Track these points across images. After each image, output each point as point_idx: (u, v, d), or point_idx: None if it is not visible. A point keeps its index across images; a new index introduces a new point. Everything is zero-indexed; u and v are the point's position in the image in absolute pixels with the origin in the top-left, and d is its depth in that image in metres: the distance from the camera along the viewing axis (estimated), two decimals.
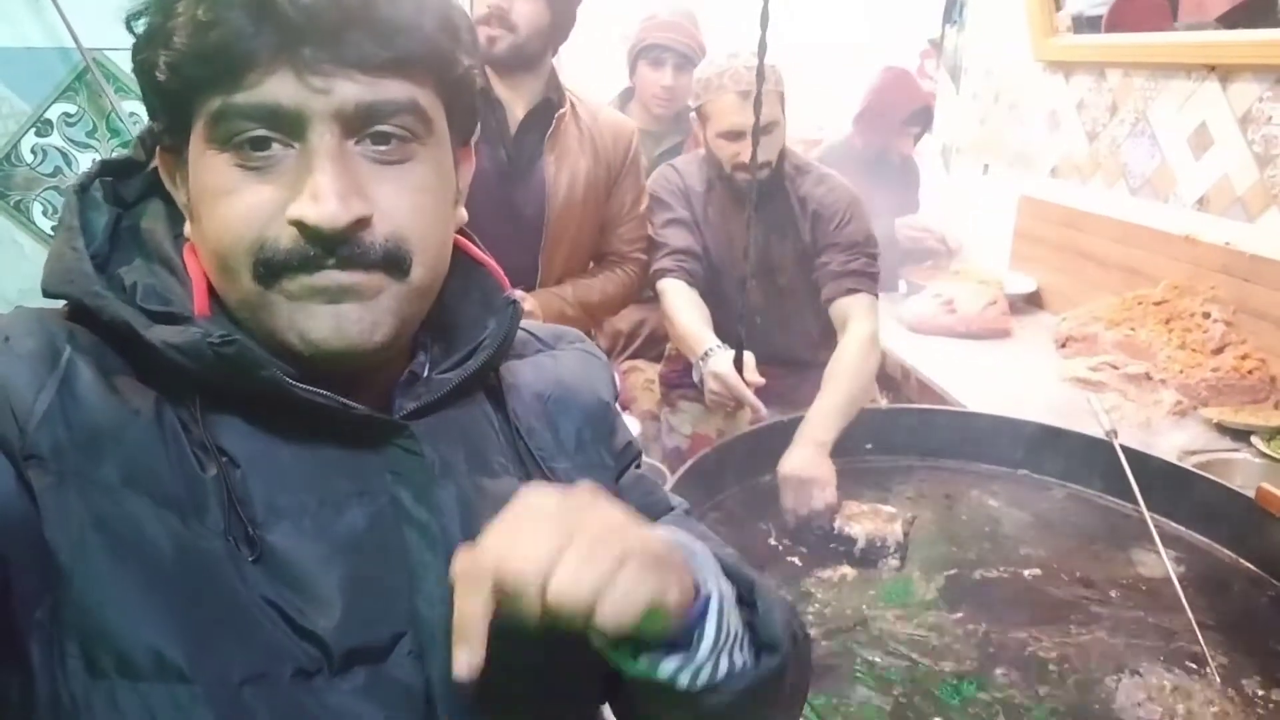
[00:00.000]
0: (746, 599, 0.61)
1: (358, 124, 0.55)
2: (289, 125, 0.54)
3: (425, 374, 0.65)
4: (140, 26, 0.55)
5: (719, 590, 0.57)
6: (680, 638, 0.54)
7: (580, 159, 1.75)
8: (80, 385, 0.54)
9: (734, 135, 1.81)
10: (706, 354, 1.72)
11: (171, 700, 0.51)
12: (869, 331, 1.78)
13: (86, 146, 1.60)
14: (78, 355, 0.55)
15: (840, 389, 1.66)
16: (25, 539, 0.51)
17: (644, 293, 2.18)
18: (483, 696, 0.60)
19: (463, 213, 0.66)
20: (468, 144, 0.66)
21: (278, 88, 0.53)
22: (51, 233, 1.63)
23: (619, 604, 0.47)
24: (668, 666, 0.54)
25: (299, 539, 0.56)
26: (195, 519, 0.54)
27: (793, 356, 2.05)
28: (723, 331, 1.78)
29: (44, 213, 1.61)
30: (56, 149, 1.59)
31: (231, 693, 0.52)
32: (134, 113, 1.60)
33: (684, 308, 1.87)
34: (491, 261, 0.70)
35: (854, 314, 1.81)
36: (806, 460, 1.52)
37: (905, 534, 1.41)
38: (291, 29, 0.52)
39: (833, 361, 1.73)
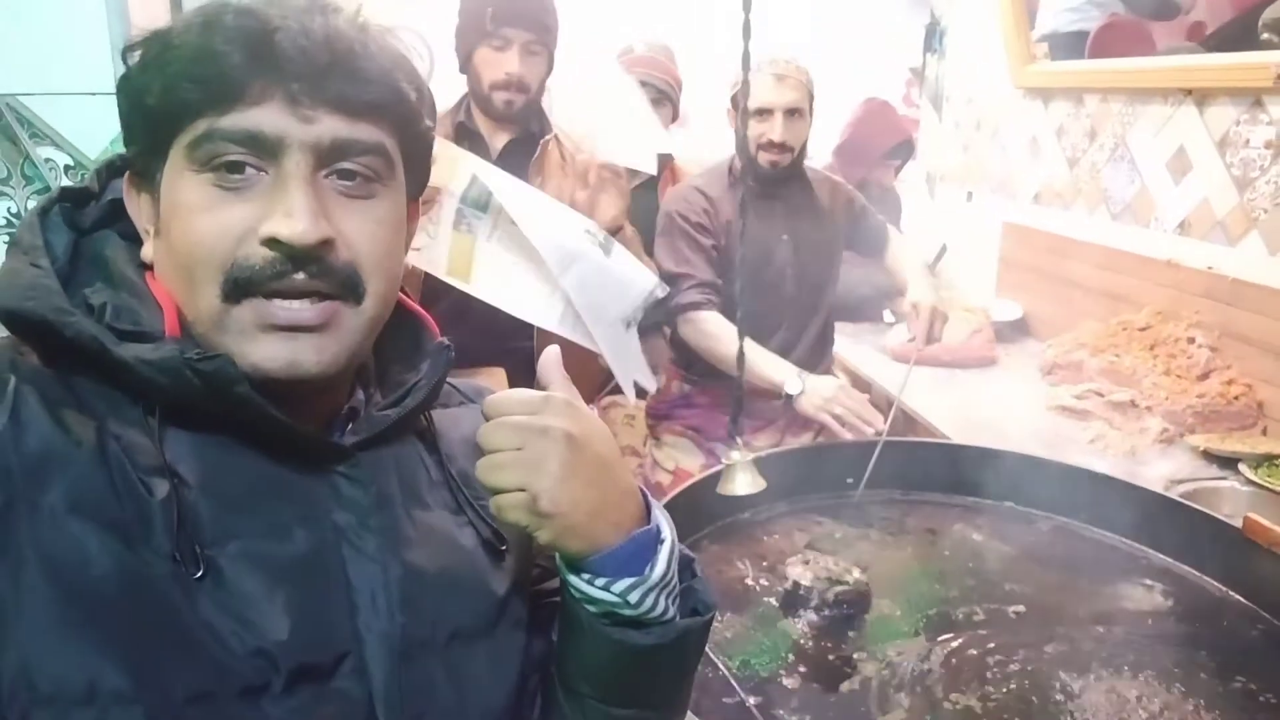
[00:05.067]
0: (687, 571, 0.70)
1: (329, 157, 0.59)
2: (267, 150, 0.57)
3: (364, 411, 0.69)
4: (134, 57, 0.60)
5: (671, 537, 0.66)
6: (633, 565, 0.63)
7: (563, 185, 1.78)
8: (26, 413, 0.55)
9: (764, 114, 1.97)
10: (803, 380, 1.84)
11: None
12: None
13: (1, 194, 1.59)
14: (23, 384, 0.56)
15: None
16: None
17: None
18: (421, 710, 0.62)
19: (407, 262, 0.70)
20: (417, 201, 0.71)
21: (263, 116, 0.57)
22: None
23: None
24: (622, 584, 0.62)
25: (245, 561, 0.58)
26: (141, 543, 0.54)
27: (799, 353, 2.09)
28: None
29: None
30: None
31: (176, 712, 0.53)
32: (49, 159, 1.59)
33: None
34: (422, 311, 0.74)
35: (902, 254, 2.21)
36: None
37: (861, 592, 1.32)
38: (285, 65, 0.57)
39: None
